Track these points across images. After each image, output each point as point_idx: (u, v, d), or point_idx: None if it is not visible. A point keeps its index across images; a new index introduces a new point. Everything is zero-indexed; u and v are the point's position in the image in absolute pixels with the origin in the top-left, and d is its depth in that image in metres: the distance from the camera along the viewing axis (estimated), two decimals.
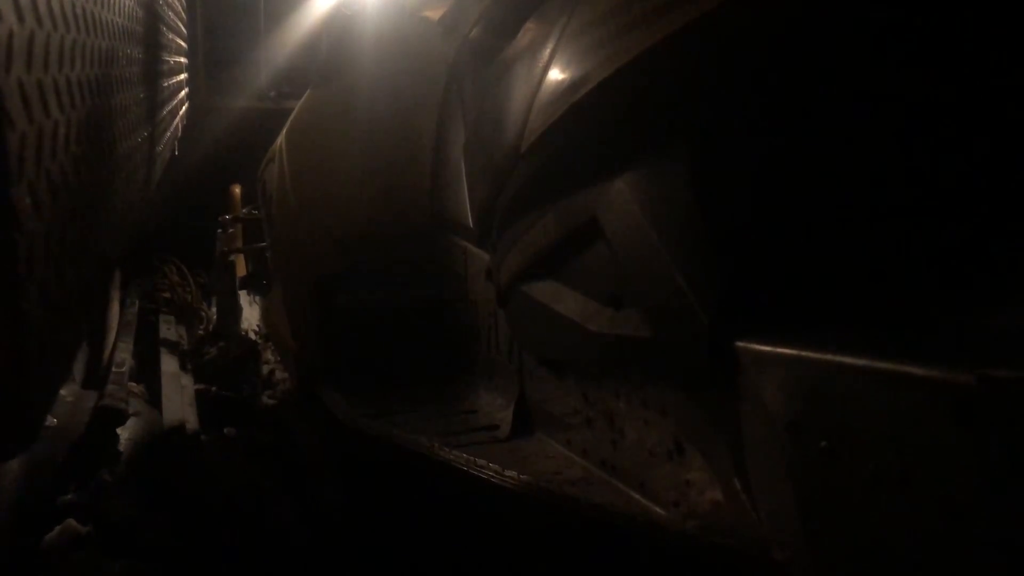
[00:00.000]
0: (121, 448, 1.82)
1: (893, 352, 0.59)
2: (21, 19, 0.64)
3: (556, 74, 1.02)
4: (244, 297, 3.43)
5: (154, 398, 2.36)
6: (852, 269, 0.77)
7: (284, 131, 2.10)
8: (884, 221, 0.78)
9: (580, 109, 0.96)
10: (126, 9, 1.33)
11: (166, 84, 2.38)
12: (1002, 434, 0.51)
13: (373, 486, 1.57)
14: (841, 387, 0.62)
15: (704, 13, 0.80)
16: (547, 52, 1.05)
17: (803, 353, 0.66)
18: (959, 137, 0.78)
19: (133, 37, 1.43)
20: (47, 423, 1.57)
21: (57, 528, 1.50)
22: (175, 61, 2.73)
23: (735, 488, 0.77)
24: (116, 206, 1.23)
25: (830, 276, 0.77)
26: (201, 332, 3.42)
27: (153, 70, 1.93)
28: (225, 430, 2.33)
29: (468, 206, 1.55)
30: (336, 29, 2.09)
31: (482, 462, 1.12)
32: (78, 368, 2.13)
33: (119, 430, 1.85)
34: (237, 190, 3.71)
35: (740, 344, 0.73)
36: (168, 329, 3.17)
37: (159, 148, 2.20)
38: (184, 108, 3.27)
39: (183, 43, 3.06)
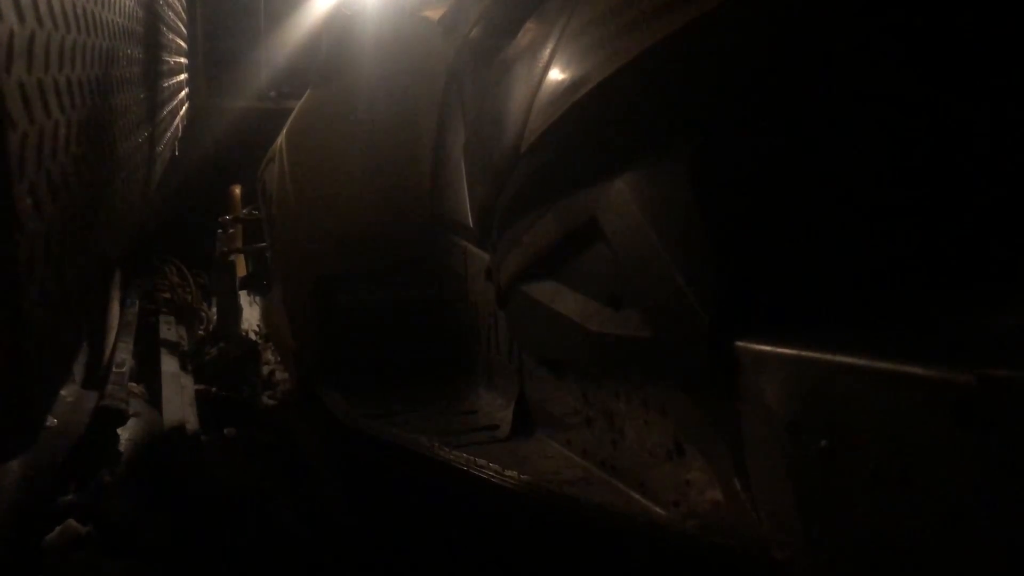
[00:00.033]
0: (121, 448, 1.82)
1: (893, 352, 0.59)
2: (22, 19, 0.64)
3: (556, 74, 1.02)
4: (244, 297, 3.43)
5: (154, 398, 2.36)
6: (852, 269, 0.77)
7: (284, 131, 2.10)
8: (884, 221, 0.78)
9: (580, 109, 0.96)
10: (126, 9, 1.33)
11: (166, 84, 2.38)
12: (1002, 434, 0.51)
13: (373, 486, 1.57)
14: (841, 387, 0.62)
15: (704, 13, 0.80)
16: (547, 52, 1.05)
17: (803, 353, 0.66)
18: (959, 137, 0.78)
19: (133, 37, 1.43)
20: (47, 423, 1.57)
21: (57, 528, 1.50)
22: (175, 61, 2.73)
23: (735, 488, 0.77)
24: (116, 206, 1.23)
25: (830, 276, 0.77)
26: (201, 332, 3.42)
27: (153, 70, 1.93)
28: (225, 430, 2.33)
29: (468, 206, 1.55)
30: (336, 29, 2.09)
31: (482, 462, 1.12)
32: (78, 368, 2.13)
33: (119, 430, 1.85)
34: (237, 190, 3.71)
35: (740, 344, 0.73)
36: (168, 329, 3.17)
37: (159, 148, 2.20)
38: (184, 108, 3.27)
39: (183, 43, 3.06)
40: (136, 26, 1.48)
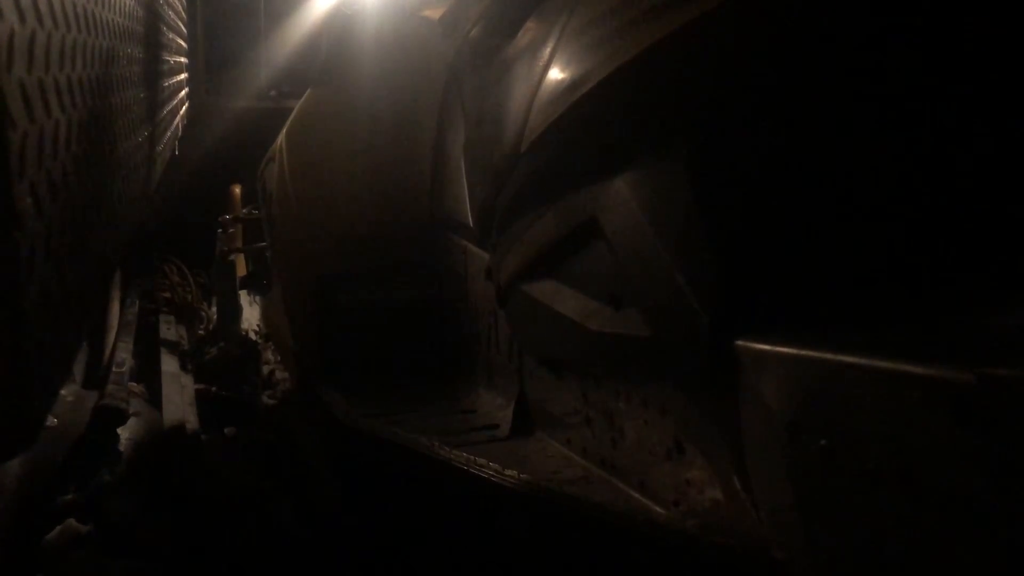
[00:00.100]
0: (121, 448, 1.82)
1: (893, 351, 0.59)
2: (22, 19, 0.64)
3: (556, 73, 1.02)
4: (244, 297, 3.42)
5: (154, 398, 2.36)
6: (852, 268, 0.77)
7: (284, 131, 2.10)
8: (884, 221, 0.78)
9: (580, 108, 0.96)
10: (126, 9, 1.33)
11: (166, 84, 2.39)
12: (1002, 434, 0.51)
13: (373, 486, 1.57)
14: (841, 387, 0.62)
15: (704, 12, 0.80)
16: (547, 51, 1.05)
17: (803, 353, 0.66)
18: (959, 136, 0.78)
19: (133, 37, 1.43)
20: (47, 423, 1.57)
21: (57, 528, 1.50)
22: (175, 61, 2.73)
23: (735, 487, 0.78)
24: (116, 206, 1.23)
25: (830, 275, 0.77)
26: (201, 332, 3.42)
27: (153, 70, 1.93)
28: (225, 430, 2.33)
29: (468, 206, 1.55)
30: (336, 29, 2.09)
31: (482, 461, 1.12)
32: (78, 368, 2.14)
33: (119, 430, 1.85)
34: (237, 190, 3.70)
35: (740, 344, 0.73)
36: (168, 329, 3.17)
37: (159, 148, 2.20)
38: (184, 108, 3.28)
39: (183, 43, 3.06)
40: (136, 26, 1.48)
